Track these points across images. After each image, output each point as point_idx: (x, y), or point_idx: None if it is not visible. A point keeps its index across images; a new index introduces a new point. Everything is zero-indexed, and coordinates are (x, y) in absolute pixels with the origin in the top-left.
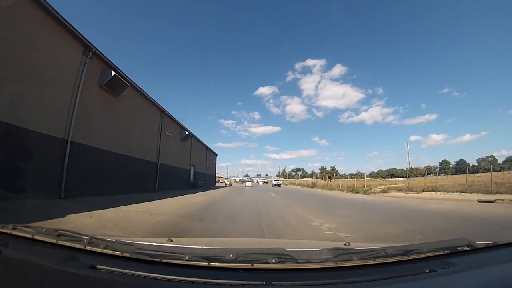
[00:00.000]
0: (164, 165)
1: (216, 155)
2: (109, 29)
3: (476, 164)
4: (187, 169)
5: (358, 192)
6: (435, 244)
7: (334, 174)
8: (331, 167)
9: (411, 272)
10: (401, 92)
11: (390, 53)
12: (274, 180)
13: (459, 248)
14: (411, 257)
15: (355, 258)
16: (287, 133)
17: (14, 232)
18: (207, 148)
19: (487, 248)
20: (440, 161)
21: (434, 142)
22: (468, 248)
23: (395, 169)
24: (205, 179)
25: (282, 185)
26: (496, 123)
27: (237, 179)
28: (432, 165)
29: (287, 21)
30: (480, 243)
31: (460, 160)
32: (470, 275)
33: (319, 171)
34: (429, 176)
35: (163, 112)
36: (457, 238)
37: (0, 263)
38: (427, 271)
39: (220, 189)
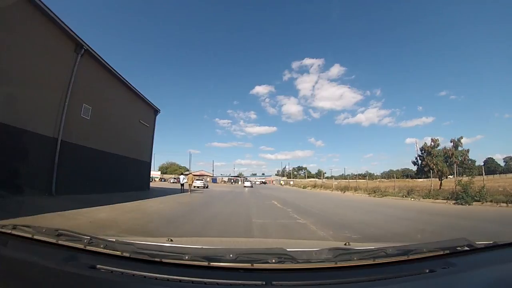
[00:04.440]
0: None
1: (157, 112)
2: (104, 27)
3: (503, 164)
4: None
5: None
6: (435, 244)
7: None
8: (454, 139)
9: (411, 272)
10: (398, 94)
11: (389, 55)
12: None
13: (459, 248)
14: (411, 257)
15: (355, 258)
16: (283, 133)
17: (14, 232)
18: (85, 48)
19: (487, 248)
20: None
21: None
22: (468, 248)
23: (409, 169)
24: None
25: (319, 195)
26: (491, 127)
27: (225, 178)
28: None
29: (285, 20)
30: (480, 243)
31: (488, 158)
32: (470, 275)
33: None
34: (450, 177)
35: None
36: (457, 238)
37: None
38: (427, 271)
39: None
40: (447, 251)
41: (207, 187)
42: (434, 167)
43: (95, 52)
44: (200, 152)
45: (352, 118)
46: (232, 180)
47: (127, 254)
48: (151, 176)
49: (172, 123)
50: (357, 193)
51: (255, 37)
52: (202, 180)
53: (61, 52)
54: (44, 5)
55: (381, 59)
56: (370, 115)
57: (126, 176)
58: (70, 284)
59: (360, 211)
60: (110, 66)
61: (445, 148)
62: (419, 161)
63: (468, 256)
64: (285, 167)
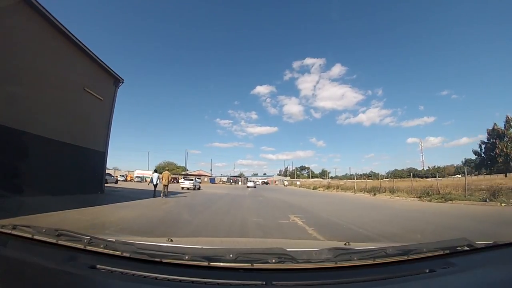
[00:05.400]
0: None
1: (119, 82)
2: (105, 26)
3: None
4: None
5: None
6: (435, 244)
7: None
8: None
9: (411, 272)
10: (400, 94)
11: (391, 54)
12: None
13: (459, 248)
14: (411, 257)
15: (355, 258)
16: (284, 133)
17: (14, 232)
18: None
19: (487, 248)
20: (463, 159)
21: (430, 144)
22: (468, 248)
23: (414, 168)
24: None
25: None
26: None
27: (224, 178)
28: (455, 164)
29: (286, 19)
30: (480, 243)
31: None
32: (470, 275)
33: None
34: (459, 176)
35: None
36: (457, 238)
37: None
38: (427, 271)
39: None
40: (447, 251)
41: (198, 189)
42: None
43: None
44: (201, 153)
45: (354, 118)
46: (231, 181)
47: (127, 254)
48: (140, 176)
49: (173, 124)
50: (397, 196)
51: (256, 36)
52: (192, 180)
53: None
54: None
55: (382, 58)
56: (371, 115)
57: (57, 170)
58: (70, 284)
59: None
60: None
61: None
62: (483, 150)
63: (468, 256)
64: (287, 166)
